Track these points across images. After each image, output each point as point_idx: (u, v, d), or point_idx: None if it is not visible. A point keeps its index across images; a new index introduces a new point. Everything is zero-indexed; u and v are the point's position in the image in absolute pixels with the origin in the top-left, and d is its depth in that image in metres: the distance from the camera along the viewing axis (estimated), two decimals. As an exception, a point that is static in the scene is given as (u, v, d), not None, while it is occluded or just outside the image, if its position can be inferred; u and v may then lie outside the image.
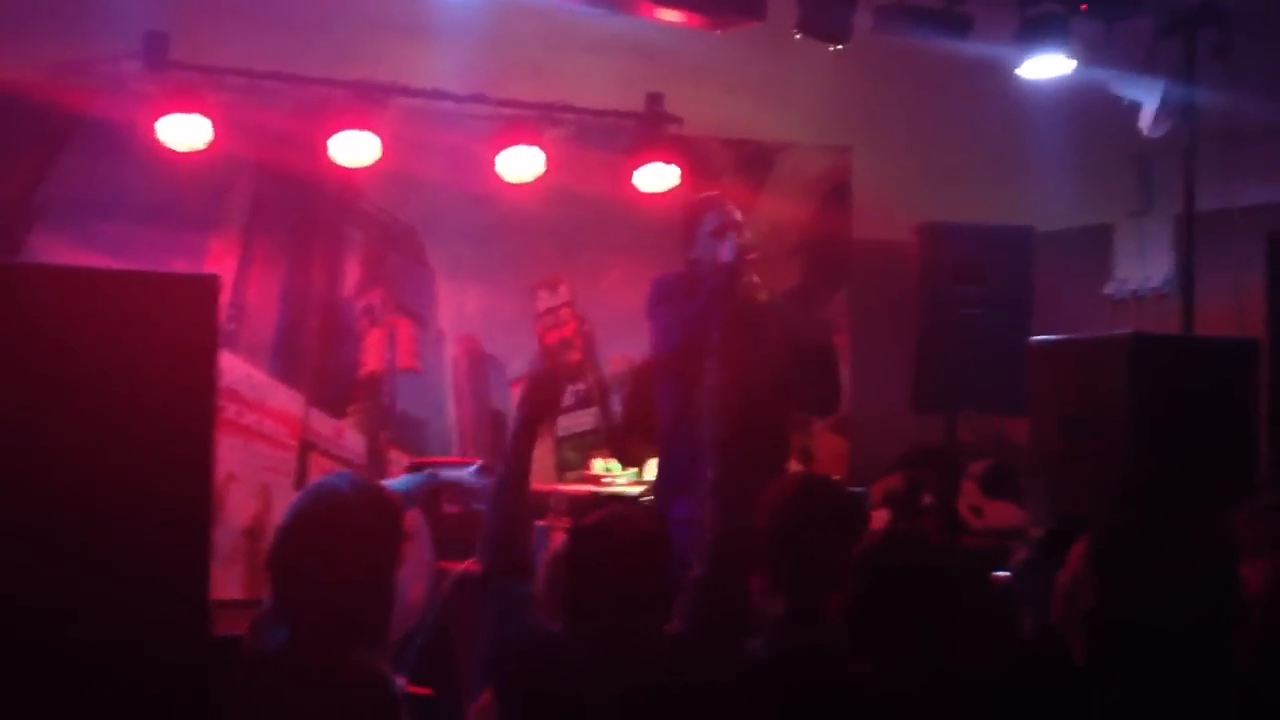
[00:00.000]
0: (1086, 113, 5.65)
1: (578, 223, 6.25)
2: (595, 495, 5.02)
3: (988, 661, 2.70)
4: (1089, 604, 2.44)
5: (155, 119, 5.39)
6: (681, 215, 4.72)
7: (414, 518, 3.78)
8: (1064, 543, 2.90)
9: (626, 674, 2.71)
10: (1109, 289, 6.26)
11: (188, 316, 3.16)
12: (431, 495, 4.84)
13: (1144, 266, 6.14)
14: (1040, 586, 2.99)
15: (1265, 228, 5.03)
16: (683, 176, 6.09)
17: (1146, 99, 5.26)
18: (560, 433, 6.32)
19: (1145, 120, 5.31)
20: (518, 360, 6.29)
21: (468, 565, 3.94)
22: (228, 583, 5.56)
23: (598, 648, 2.72)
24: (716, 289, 4.24)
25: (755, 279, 4.47)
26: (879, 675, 2.58)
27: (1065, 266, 6.00)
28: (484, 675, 3.09)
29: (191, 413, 3.12)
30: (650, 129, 6.20)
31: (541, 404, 3.06)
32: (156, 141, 5.43)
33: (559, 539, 4.02)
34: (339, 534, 2.63)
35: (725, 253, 4.33)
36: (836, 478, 5.80)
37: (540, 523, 4.95)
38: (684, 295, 4.43)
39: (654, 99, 6.23)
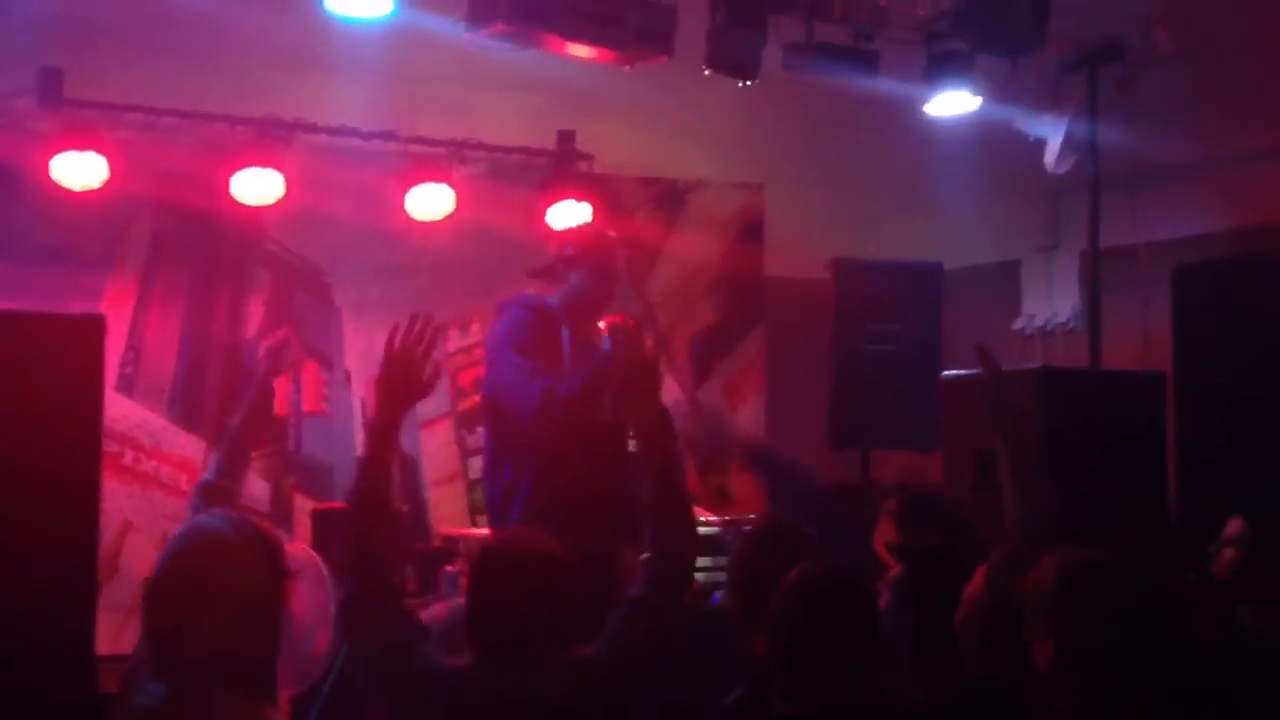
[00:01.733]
0: (994, 149, 5.71)
1: (490, 260, 6.17)
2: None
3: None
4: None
5: (50, 157, 5.24)
6: (567, 243, 4.44)
7: (307, 557, 3.64)
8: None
9: (536, 701, 2.59)
10: (1018, 324, 6.32)
11: (73, 357, 3.05)
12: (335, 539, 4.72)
13: (1051, 302, 6.20)
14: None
15: (1170, 262, 5.09)
16: (594, 213, 6.05)
17: (1051, 135, 5.33)
18: (473, 475, 6.21)
19: (1050, 156, 5.37)
20: (429, 402, 6.14)
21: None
22: (126, 636, 5.36)
23: (503, 676, 2.60)
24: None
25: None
26: (798, 714, 2.50)
27: (975, 302, 6.04)
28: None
29: (77, 455, 3.02)
30: (562, 166, 6.16)
31: (402, 385, 2.73)
32: (51, 181, 5.27)
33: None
34: (217, 576, 2.49)
35: (606, 341, 4.10)
36: (752, 515, 5.78)
37: (450, 568, 4.84)
38: (544, 340, 4.17)
39: (565, 136, 6.20)
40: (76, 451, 3.00)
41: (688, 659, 2.94)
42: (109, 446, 5.05)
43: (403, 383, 2.73)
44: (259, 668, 2.53)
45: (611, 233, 4.59)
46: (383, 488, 2.70)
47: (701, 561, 5.12)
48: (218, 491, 3.08)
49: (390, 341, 2.77)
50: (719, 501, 5.74)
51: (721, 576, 4.25)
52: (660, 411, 2.90)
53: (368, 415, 6.09)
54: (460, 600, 3.19)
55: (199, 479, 3.22)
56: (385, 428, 2.72)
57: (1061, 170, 5.44)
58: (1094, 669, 2.32)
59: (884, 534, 5.57)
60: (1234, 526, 3.28)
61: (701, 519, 5.11)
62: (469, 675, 2.61)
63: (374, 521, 2.68)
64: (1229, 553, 3.24)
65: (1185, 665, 2.52)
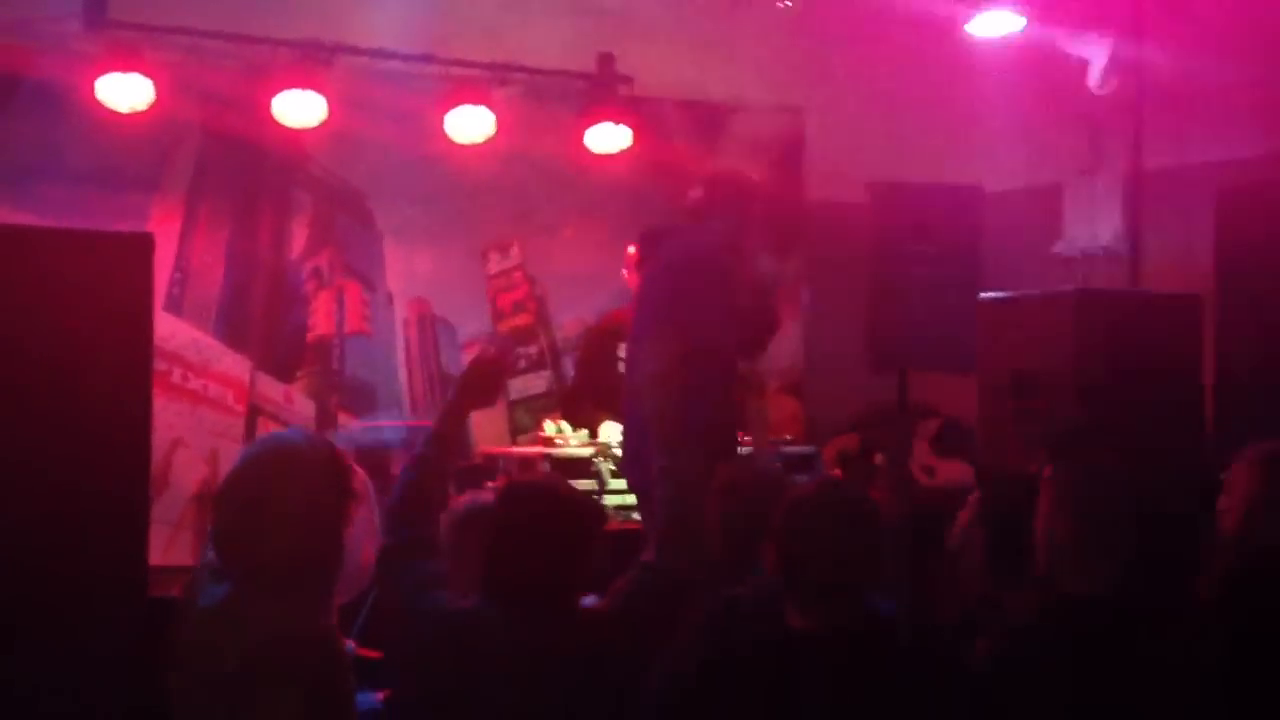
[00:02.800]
0: (1037, 71, 5.65)
1: (529, 184, 6.20)
2: (546, 456, 5.01)
3: (924, 614, 2.71)
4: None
5: (95, 79, 5.29)
6: (727, 185, 4.51)
7: (361, 480, 3.74)
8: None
9: (542, 649, 2.65)
10: (1058, 248, 6.27)
11: (123, 275, 3.11)
12: (379, 458, 4.82)
13: (1093, 224, 6.15)
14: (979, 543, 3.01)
15: (1213, 184, 5.04)
16: (634, 137, 6.05)
17: (1095, 56, 5.26)
18: (513, 395, 6.30)
19: (1094, 77, 5.31)
20: (469, 323, 6.25)
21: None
22: (177, 548, 5.51)
23: (512, 622, 2.66)
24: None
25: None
26: (810, 627, 2.57)
27: (1015, 225, 6.00)
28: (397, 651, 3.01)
29: (128, 372, 3.09)
30: (601, 90, 6.14)
31: (479, 391, 2.96)
32: (97, 102, 5.33)
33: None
34: (289, 485, 2.56)
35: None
36: (789, 438, 5.83)
37: (491, 484, 4.93)
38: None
39: (605, 59, 6.17)
40: (129, 367, 3.07)
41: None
42: (158, 365, 5.15)
43: (481, 387, 2.97)
44: (318, 579, 2.62)
45: (750, 177, 4.64)
46: (445, 459, 2.91)
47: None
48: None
49: (485, 350, 3.07)
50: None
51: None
52: None
53: (408, 338, 6.18)
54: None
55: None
56: (457, 417, 2.96)
57: (1105, 91, 5.38)
58: None
59: (920, 456, 5.63)
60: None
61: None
62: (478, 618, 2.68)
63: (431, 485, 2.86)
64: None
65: None
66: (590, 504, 2.90)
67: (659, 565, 2.81)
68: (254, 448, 2.72)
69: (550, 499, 2.75)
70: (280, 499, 2.56)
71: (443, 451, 2.89)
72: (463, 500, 3.31)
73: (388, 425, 5.41)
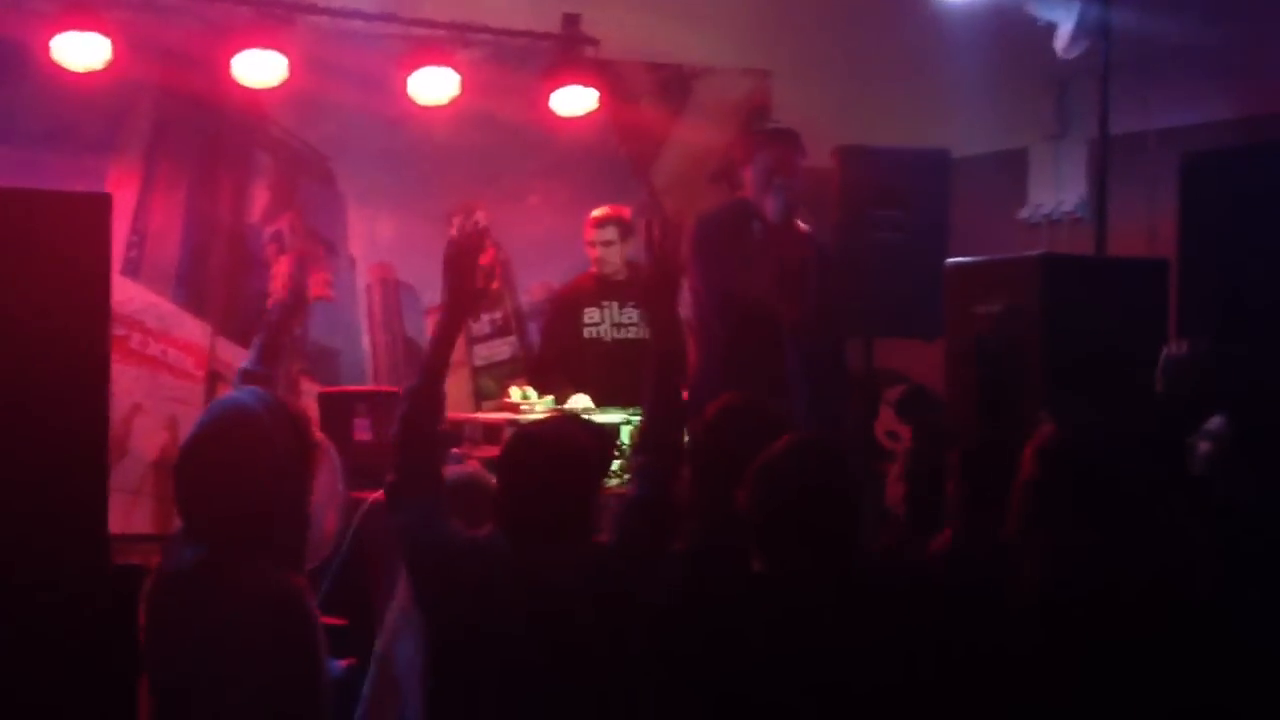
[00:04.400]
0: (1003, 35, 5.63)
1: (493, 147, 6.14)
2: (512, 422, 4.98)
3: (895, 567, 2.76)
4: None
5: (51, 37, 5.18)
6: (738, 147, 4.71)
7: (324, 446, 3.72)
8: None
9: (553, 579, 2.73)
10: (1024, 213, 6.28)
11: (80, 236, 3.05)
12: (343, 424, 4.78)
13: (1058, 190, 6.16)
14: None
15: (1179, 149, 5.05)
16: (601, 100, 5.99)
17: (1062, 19, 5.24)
18: (477, 362, 6.26)
19: (1061, 41, 5.30)
20: (433, 288, 6.18)
21: (380, 495, 3.89)
22: (136, 516, 5.45)
23: (523, 553, 2.74)
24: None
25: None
26: (776, 575, 2.61)
27: (982, 190, 6.00)
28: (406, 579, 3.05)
29: (85, 335, 3.03)
30: (567, 51, 6.08)
31: (464, 289, 2.93)
32: (52, 62, 5.22)
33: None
34: (249, 447, 2.57)
35: (771, 210, 4.29)
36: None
37: (455, 450, 4.90)
38: (732, 236, 4.39)
39: (570, 19, 6.11)
40: (86, 330, 3.01)
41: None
42: (116, 330, 5.10)
43: (460, 286, 2.94)
44: (287, 536, 2.63)
45: (780, 128, 4.68)
46: (440, 384, 2.93)
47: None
48: (256, 378, 3.17)
49: (447, 250, 2.97)
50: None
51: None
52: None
53: (371, 303, 6.12)
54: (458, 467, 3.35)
55: (240, 367, 3.33)
56: (449, 336, 2.96)
57: (1072, 55, 5.36)
58: None
59: (885, 422, 5.63)
60: (1214, 423, 3.31)
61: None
62: (489, 548, 2.78)
63: (429, 412, 2.90)
64: (1204, 446, 3.28)
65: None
66: (598, 441, 2.98)
67: (644, 497, 2.86)
68: (210, 412, 2.73)
69: (559, 439, 2.82)
70: (241, 460, 2.57)
71: (438, 375, 2.92)
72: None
73: (350, 391, 5.36)
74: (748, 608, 2.59)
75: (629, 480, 2.98)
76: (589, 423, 3.13)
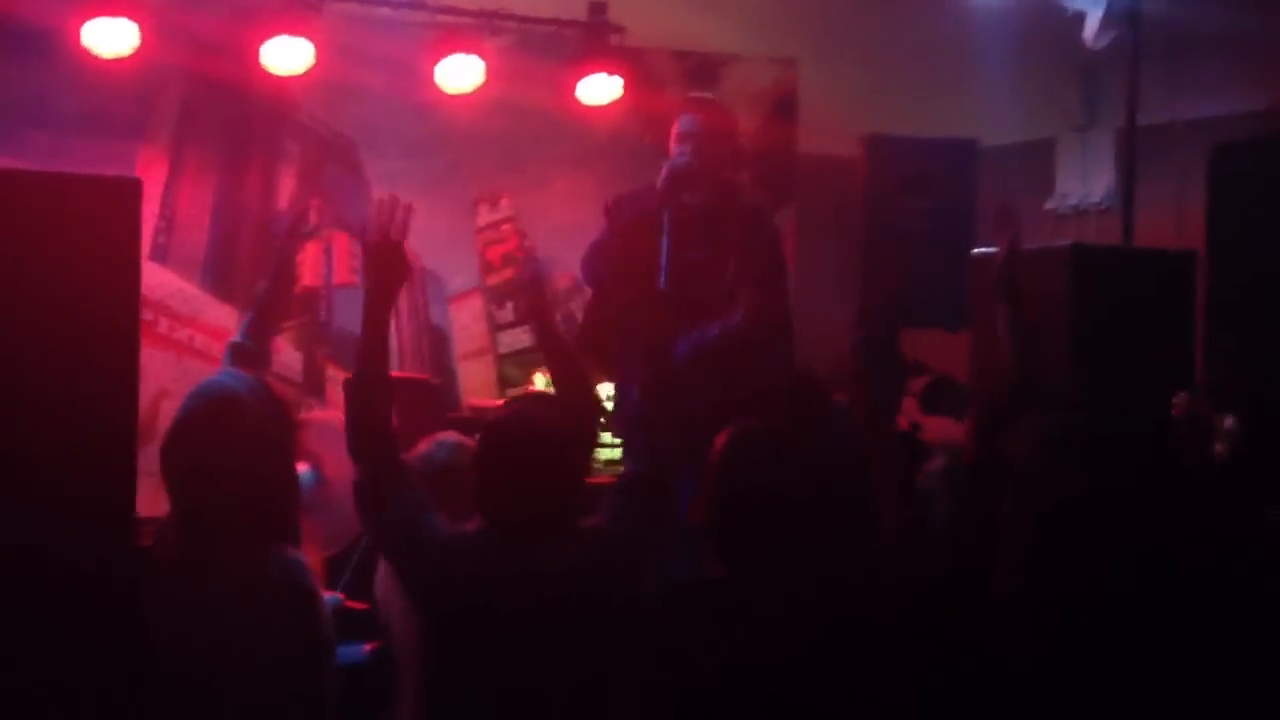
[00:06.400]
0: (1032, 24, 5.61)
1: (519, 135, 6.15)
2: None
3: (859, 563, 2.72)
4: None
5: (81, 23, 5.21)
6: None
7: (341, 424, 3.71)
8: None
9: (546, 569, 2.67)
10: (1051, 203, 6.26)
11: (110, 220, 3.05)
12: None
13: (1086, 181, 6.14)
14: (953, 489, 3.02)
15: (1207, 141, 5.02)
16: (626, 88, 5.99)
17: (1091, 8, 5.22)
18: (501, 349, 6.27)
19: (1090, 31, 5.27)
20: (458, 275, 6.21)
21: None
22: (163, 499, 5.48)
23: (512, 545, 2.67)
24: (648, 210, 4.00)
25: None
26: (733, 579, 2.58)
27: (1008, 181, 5.97)
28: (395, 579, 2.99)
29: (115, 318, 3.03)
30: (593, 39, 6.07)
31: (383, 275, 2.84)
32: (82, 48, 5.25)
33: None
34: (232, 430, 2.58)
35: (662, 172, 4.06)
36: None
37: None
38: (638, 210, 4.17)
39: (597, 8, 6.10)
40: (116, 314, 3.02)
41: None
42: (145, 314, 5.12)
43: (387, 270, 2.84)
44: (276, 515, 2.63)
45: (705, 96, 4.55)
46: (381, 369, 2.79)
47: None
48: (246, 352, 3.16)
49: (366, 234, 2.88)
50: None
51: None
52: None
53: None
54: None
55: (229, 340, 3.33)
56: (378, 318, 2.82)
57: (1101, 45, 5.34)
58: None
59: (908, 413, 5.61)
60: (1225, 422, 3.29)
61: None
62: (478, 544, 2.69)
63: (376, 402, 2.76)
64: (1216, 448, 3.26)
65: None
66: (576, 420, 2.87)
67: (641, 476, 2.80)
68: (191, 398, 2.72)
69: (533, 424, 2.72)
70: (225, 444, 2.58)
71: (376, 360, 2.80)
72: (427, 445, 3.27)
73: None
74: (708, 613, 2.54)
75: (624, 458, 2.93)
76: (565, 400, 2.99)
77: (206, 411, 2.62)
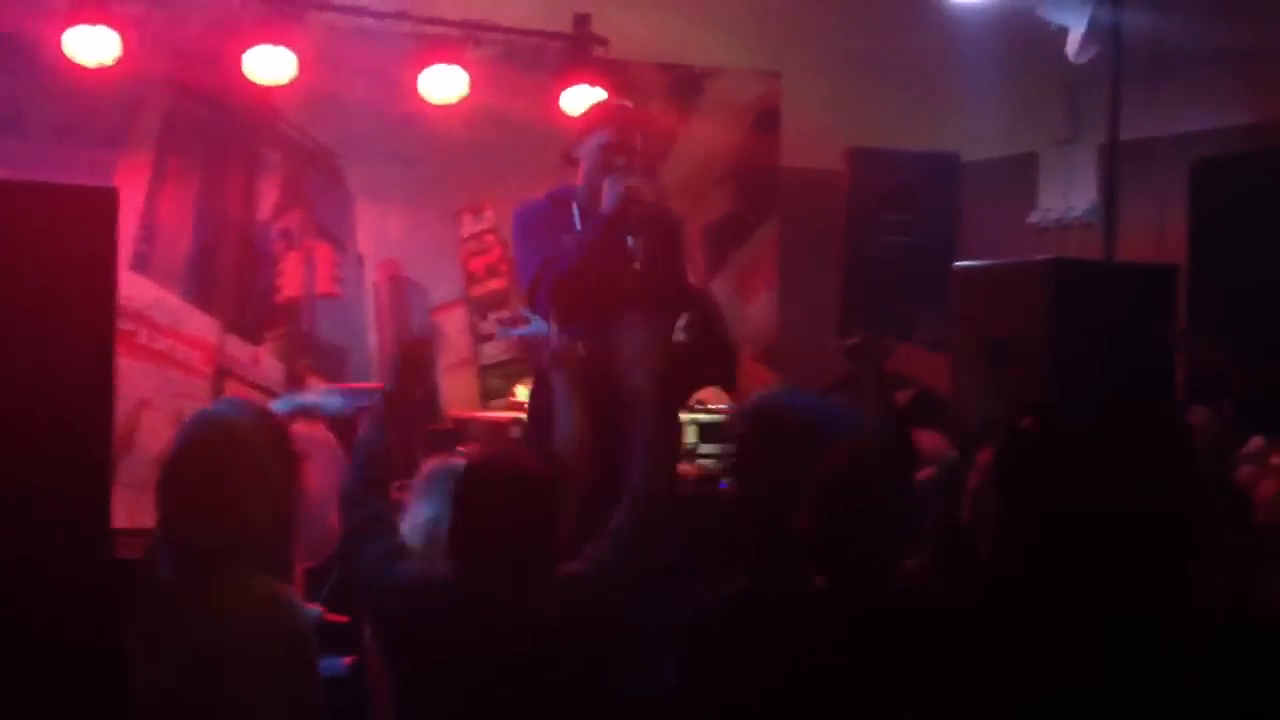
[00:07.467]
0: (1015, 38, 5.62)
1: (503, 146, 6.13)
2: (517, 421, 4.97)
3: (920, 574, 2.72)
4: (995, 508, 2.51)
5: (62, 31, 5.19)
6: (581, 123, 4.17)
7: (322, 436, 3.70)
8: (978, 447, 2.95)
9: (525, 615, 2.64)
10: (1033, 217, 6.27)
11: (86, 230, 3.05)
12: (348, 419, 4.77)
13: (1068, 195, 6.15)
14: (949, 496, 3.02)
15: (1189, 155, 5.04)
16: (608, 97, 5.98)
17: (1074, 23, 5.24)
18: (484, 360, 6.25)
19: (1072, 45, 5.29)
20: (441, 285, 6.19)
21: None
22: (143, 511, 5.44)
23: (491, 590, 2.64)
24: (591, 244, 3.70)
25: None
26: (834, 592, 2.56)
27: (991, 194, 6.00)
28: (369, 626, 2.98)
29: (91, 328, 3.03)
30: (577, 50, 6.08)
31: (402, 386, 2.94)
32: (64, 56, 5.24)
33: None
34: (232, 461, 2.54)
35: (607, 199, 3.72)
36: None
37: (462, 448, 4.90)
38: (555, 226, 3.88)
39: (581, 19, 6.11)
40: (92, 323, 3.02)
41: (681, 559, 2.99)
42: (124, 324, 5.09)
43: (410, 380, 2.97)
44: (274, 547, 2.59)
45: (623, 103, 4.41)
46: (388, 441, 2.87)
47: (706, 448, 5.18)
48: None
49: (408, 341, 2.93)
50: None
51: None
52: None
53: (379, 300, 6.11)
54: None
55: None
56: (394, 404, 2.91)
57: (1083, 59, 5.36)
58: None
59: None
60: (1254, 444, 3.27)
61: (711, 406, 5.16)
62: (455, 589, 2.66)
63: (379, 466, 2.84)
64: (1246, 470, 3.22)
65: None
66: (552, 470, 2.84)
67: (625, 529, 2.77)
68: (190, 427, 2.68)
69: (512, 470, 2.70)
70: (225, 476, 2.53)
71: (381, 435, 2.86)
72: (431, 464, 3.27)
73: (358, 388, 5.36)
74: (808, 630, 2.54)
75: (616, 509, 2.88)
76: (543, 448, 3.02)
77: (204, 442, 2.58)
